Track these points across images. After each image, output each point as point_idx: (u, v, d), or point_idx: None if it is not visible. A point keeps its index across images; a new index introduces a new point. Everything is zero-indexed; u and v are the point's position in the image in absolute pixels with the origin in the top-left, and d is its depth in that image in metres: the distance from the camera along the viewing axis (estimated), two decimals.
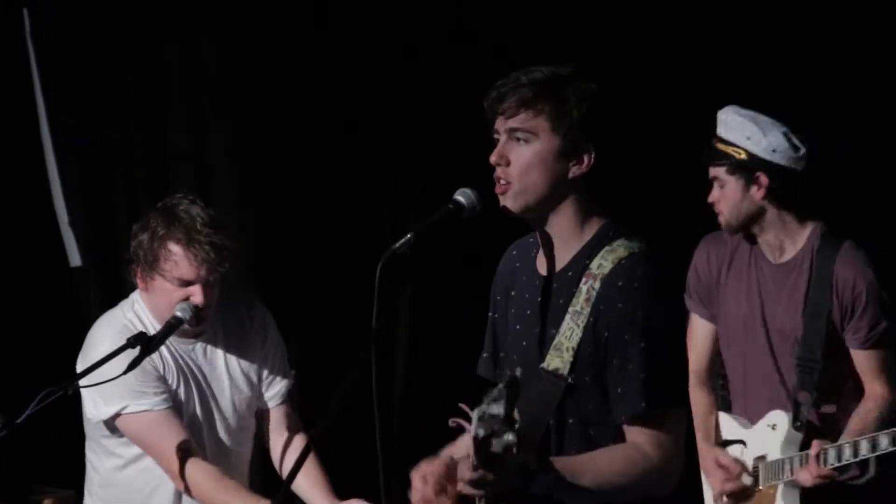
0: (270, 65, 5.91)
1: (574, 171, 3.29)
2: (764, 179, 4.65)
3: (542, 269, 3.39)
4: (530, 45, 5.59)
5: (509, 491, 3.10)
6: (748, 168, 4.65)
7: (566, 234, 3.33)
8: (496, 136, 3.33)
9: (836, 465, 4.48)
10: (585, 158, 3.29)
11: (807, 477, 4.52)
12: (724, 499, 4.78)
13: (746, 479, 4.76)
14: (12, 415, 3.86)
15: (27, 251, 5.81)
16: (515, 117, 3.27)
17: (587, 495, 3.19)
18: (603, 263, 3.27)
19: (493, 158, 3.30)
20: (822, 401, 4.66)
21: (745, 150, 4.64)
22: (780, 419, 4.69)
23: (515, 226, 3.43)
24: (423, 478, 3.38)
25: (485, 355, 3.60)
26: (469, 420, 3.10)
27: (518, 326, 3.41)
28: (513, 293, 3.47)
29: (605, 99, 3.31)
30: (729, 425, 4.86)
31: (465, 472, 3.08)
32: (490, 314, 3.58)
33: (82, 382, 4.00)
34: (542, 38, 5.68)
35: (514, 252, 3.54)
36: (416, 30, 5.98)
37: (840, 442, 4.50)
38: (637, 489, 3.23)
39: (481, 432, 2.89)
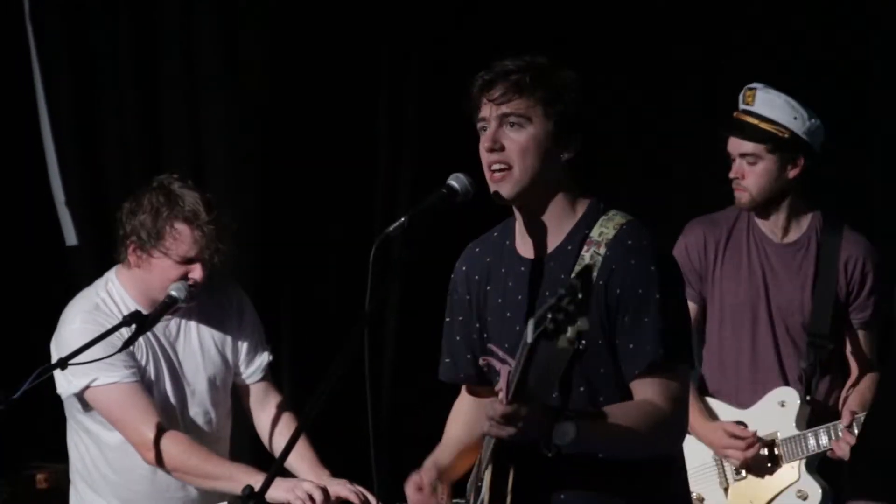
0: (265, 51, 5.95)
1: (564, 154, 3.34)
2: (802, 161, 4.69)
3: (529, 253, 3.41)
4: (521, 35, 5.62)
5: (533, 438, 3.07)
6: (790, 149, 4.69)
7: (558, 214, 3.36)
8: (482, 124, 3.35)
9: None
10: (574, 143, 3.34)
11: (845, 448, 4.55)
12: (744, 472, 4.77)
13: (763, 450, 4.75)
14: (8, 391, 3.91)
15: (23, 230, 5.84)
16: (509, 103, 3.31)
17: (603, 449, 3.21)
18: (604, 231, 3.32)
19: (486, 144, 3.33)
20: (821, 377, 4.71)
21: (790, 131, 4.68)
22: (789, 396, 4.71)
23: (505, 209, 3.46)
24: (416, 486, 3.44)
25: (447, 360, 3.58)
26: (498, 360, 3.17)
27: (508, 314, 3.42)
28: (489, 287, 3.47)
29: (585, 87, 3.36)
30: (717, 408, 4.84)
31: (496, 408, 3.04)
32: (447, 319, 3.57)
33: (77, 360, 4.05)
34: (532, 30, 5.71)
35: (478, 250, 3.54)
36: (409, 18, 6.01)
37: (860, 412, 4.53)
38: (650, 443, 3.24)
39: (550, 326, 2.79)
